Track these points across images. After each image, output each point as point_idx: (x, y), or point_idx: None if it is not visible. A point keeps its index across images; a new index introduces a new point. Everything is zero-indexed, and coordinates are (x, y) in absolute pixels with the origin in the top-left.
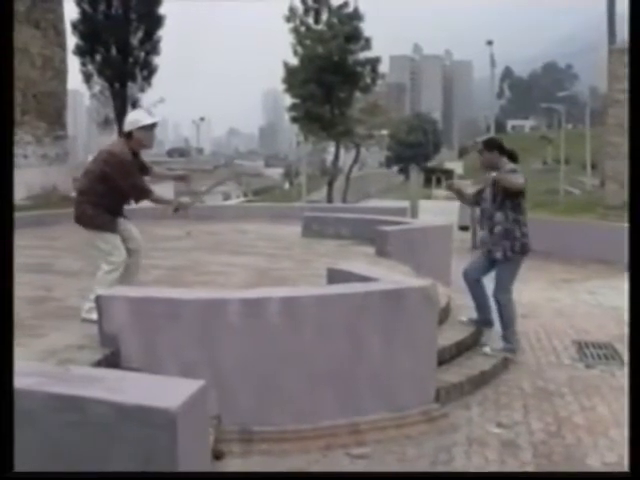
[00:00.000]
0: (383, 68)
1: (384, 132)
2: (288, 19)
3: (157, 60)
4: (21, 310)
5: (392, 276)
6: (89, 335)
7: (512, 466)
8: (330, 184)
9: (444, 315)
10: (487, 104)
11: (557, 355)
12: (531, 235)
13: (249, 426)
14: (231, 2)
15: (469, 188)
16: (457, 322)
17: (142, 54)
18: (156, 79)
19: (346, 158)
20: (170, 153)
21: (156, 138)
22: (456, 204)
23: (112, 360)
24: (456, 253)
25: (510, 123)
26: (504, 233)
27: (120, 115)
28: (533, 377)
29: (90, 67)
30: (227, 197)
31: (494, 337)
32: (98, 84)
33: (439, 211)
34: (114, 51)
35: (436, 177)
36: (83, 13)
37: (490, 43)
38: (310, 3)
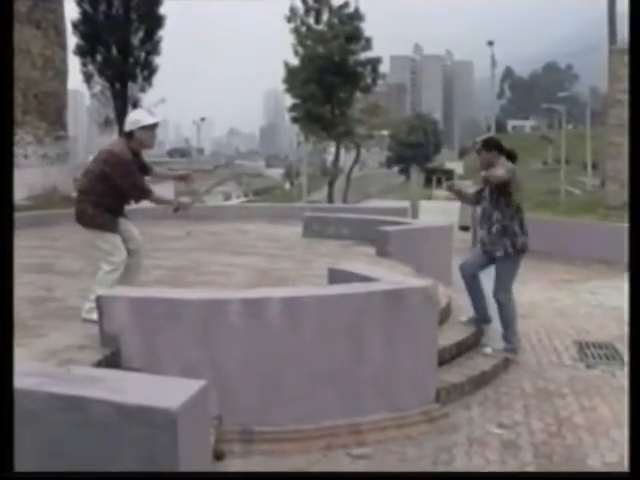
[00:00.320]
0: (384, 68)
1: (384, 132)
2: (289, 19)
3: (158, 60)
4: (22, 310)
5: (393, 276)
6: (90, 335)
7: (513, 466)
8: (331, 184)
9: (445, 315)
10: (488, 104)
11: (558, 355)
12: (532, 235)
13: (250, 426)
14: (232, 2)
15: (470, 188)
16: (458, 322)
17: (143, 54)
18: (157, 79)
19: (347, 158)
20: (171, 153)
21: (157, 138)
22: (456, 204)
23: (113, 360)
24: (457, 253)
25: (511, 123)
26: (502, 231)
27: (121, 115)
28: (534, 377)
29: (91, 67)
30: (228, 197)
31: (495, 337)
32: (99, 84)
33: (440, 211)
34: (115, 51)
35: (437, 177)
36: (84, 13)
37: (491, 43)
38: (311, 3)
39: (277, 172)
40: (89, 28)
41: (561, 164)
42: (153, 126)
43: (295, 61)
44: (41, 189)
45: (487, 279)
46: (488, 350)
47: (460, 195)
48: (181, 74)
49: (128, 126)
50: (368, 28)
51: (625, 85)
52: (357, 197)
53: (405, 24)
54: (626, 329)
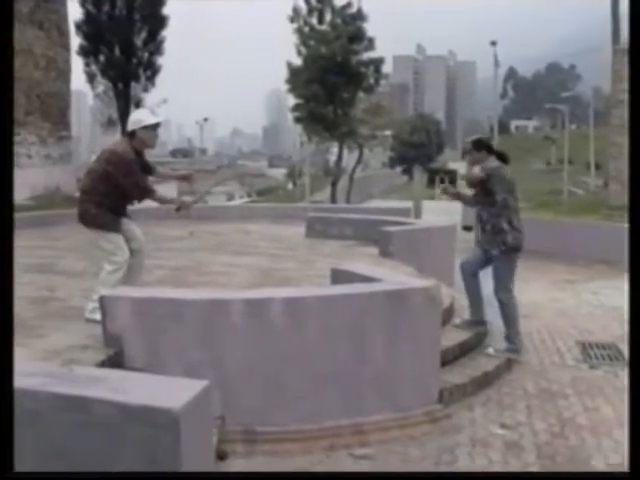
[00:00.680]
0: (386, 68)
1: (387, 132)
2: (292, 19)
3: (161, 60)
4: (24, 310)
5: (396, 277)
6: (93, 335)
7: (516, 467)
8: (333, 185)
9: (448, 316)
10: (490, 104)
11: (561, 356)
12: (534, 236)
13: (253, 426)
14: (235, 2)
15: (468, 190)
16: (454, 326)
17: (146, 54)
18: (160, 79)
19: (349, 159)
20: (173, 153)
21: (159, 138)
22: (459, 204)
23: (116, 360)
24: (460, 253)
25: (513, 123)
26: (493, 229)
27: (123, 115)
28: (536, 378)
29: (94, 67)
30: (230, 197)
31: (497, 337)
32: (102, 84)
33: (442, 211)
34: (118, 51)
35: (439, 178)
36: (87, 13)
37: (494, 43)
38: (314, 3)
39: (280, 172)
40: (92, 28)
41: (564, 164)
42: (155, 126)
43: (298, 61)
44: (44, 189)
45: (486, 280)
46: (491, 351)
47: (459, 197)
48: (184, 74)
49: (130, 126)
50: (371, 28)
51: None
52: (360, 197)
53: (408, 24)
54: (623, 328)
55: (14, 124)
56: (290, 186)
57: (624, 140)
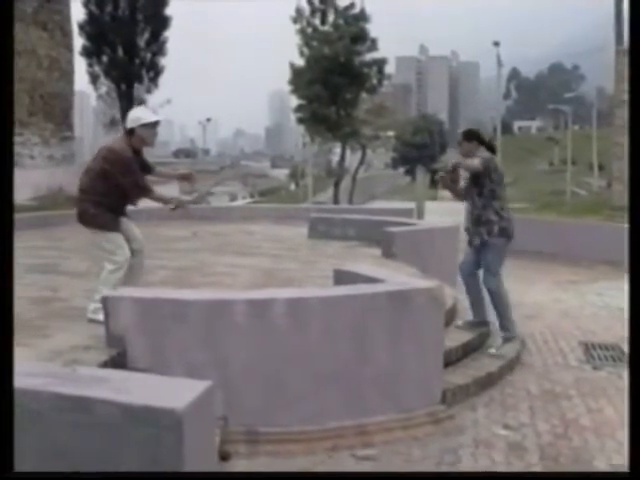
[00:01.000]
0: (389, 69)
1: (390, 133)
2: (295, 20)
3: (163, 61)
4: (27, 310)
5: (398, 277)
6: (95, 336)
7: (519, 468)
8: (336, 185)
9: (450, 316)
10: (493, 105)
11: (564, 356)
12: (537, 236)
13: (255, 427)
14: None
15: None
16: (457, 327)
17: (148, 55)
18: (162, 80)
19: (352, 159)
20: (176, 154)
21: (158, 136)
22: (462, 205)
23: (119, 361)
24: (463, 254)
25: (517, 124)
26: (477, 220)
27: (126, 116)
28: (540, 379)
29: (97, 68)
30: (233, 198)
31: (497, 336)
32: (105, 85)
33: (445, 212)
34: (121, 52)
35: (433, 170)
36: (90, 14)
37: (497, 44)
38: (317, 4)
39: (282, 173)
40: (95, 29)
41: (567, 165)
42: (154, 124)
43: (301, 62)
44: (47, 190)
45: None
46: (492, 351)
47: (452, 189)
48: (187, 75)
49: (129, 123)
50: (374, 29)
51: None
52: (362, 198)
53: (411, 25)
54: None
55: (17, 125)
56: (293, 187)
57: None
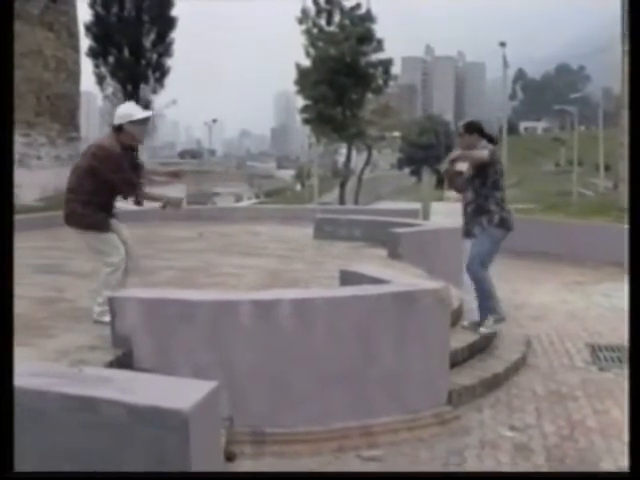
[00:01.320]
0: (395, 69)
1: (396, 134)
2: (300, 21)
3: (169, 62)
4: (33, 311)
5: (404, 278)
6: (101, 336)
7: (524, 469)
8: (342, 186)
9: (456, 317)
10: (499, 105)
11: (570, 358)
12: (542, 237)
13: (261, 428)
14: (243, 3)
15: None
16: (462, 328)
17: (155, 56)
18: (168, 81)
19: (358, 160)
20: (182, 155)
21: (167, 139)
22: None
23: (124, 361)
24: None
25: (523, 125)
26: (477, 210)
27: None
28: (546, 380)
29: (103, 69)
30: (239, 199)
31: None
32: (111, 86)
33: (451, 213)
34: (127, 53)
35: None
36: (96, 15)
37: (503, 44)
38: (323, 5)
39: (288, 173)
40: (101, 30)
41: (573, 166)
42: (144, 120)
43: (306, 62)
44: (53, 190)
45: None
46: (483, 330)
47: (454, 179)
48: (193, 75)
49: (117, 120)
50: (380, 29)
51: None
52: (368, 199)
53: (417, 25)
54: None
55: (24, 125)
56: (298, 187)
57: None
